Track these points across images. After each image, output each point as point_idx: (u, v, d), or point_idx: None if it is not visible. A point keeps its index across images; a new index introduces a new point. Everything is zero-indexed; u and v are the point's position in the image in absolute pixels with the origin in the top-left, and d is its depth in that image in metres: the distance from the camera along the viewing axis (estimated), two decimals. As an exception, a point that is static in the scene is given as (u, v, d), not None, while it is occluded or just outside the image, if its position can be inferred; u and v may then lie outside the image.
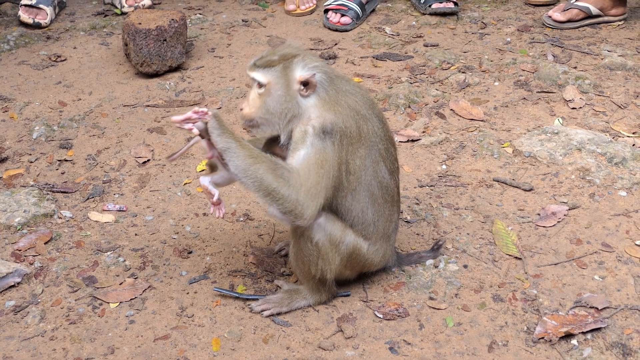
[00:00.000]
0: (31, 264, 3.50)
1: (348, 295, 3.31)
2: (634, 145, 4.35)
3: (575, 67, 5.26)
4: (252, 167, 2.91)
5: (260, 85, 3.00)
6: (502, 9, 6.24)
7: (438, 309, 3.25)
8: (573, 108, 4.78)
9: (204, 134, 2.99)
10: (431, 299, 3.30)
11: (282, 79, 2.98)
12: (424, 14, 6.06)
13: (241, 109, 3.09)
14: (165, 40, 4.98)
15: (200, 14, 6.10)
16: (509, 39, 5.71)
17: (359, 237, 3.16)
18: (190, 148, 3.25)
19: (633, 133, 4.51)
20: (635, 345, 3.06)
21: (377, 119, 3.12)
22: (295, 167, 2.94)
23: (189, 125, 2.98)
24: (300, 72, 2.97)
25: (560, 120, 4.65)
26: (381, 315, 3.20)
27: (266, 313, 3.22)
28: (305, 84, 2.97)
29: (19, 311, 3.25)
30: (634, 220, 3.77)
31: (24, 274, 3.41)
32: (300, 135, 2.98)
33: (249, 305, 3.26)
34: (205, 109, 2.98)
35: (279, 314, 3.23)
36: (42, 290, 3.36)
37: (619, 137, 4.45)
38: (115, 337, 3.12)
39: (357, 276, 3.36)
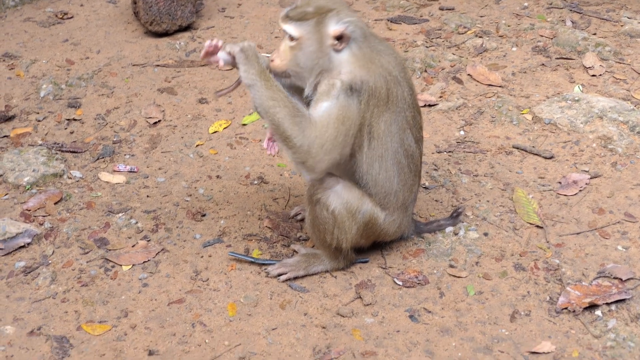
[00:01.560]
0: (41, 224, 3.41)
1: (366, 262, 3.24)
2: (655, 114, 4.25)
3: (594, 34, 5.14)
4: (272, 109, 2.83)
5: (292, 38, 2.88)
6: (519, -26, 6.09)
7: (458, 277, 3.17)
8: (593, 75, 4.67)
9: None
10: (451, 266, 3.23)
11: (316, 34, 2.86)
12: None
13: (271, 60, 2.96)
14: (175, -2, 4.85)
15: (210, -27, 5.95)
16: (526, 4, 5.58)
17: (376, 206, 3.07)
18: (237, 86, 3.13)
19: (654, 102, 4.41)
20: (661, 317, 2.99)
21: (407, 85, 3.03)
22: (315, 119, 2.84)
23: (215, 58, 2.93)
24: (334, 27, 2.85)
25: (580, 87, 4.54)
26: (400, 283, 3.13)
27: (283, 277, 3.15)
28: (339, 37, 2.85)
29: (29, 272, 3.17)
30: (657, 190, 3.69)
31: (34, 235, 3.32)
32: (326, 87, 2.88)
33: (265, 269, 3.18)
34: (217, 42, 2.94)
35: (295, 278, 3.16)
36: (53, 252, 3.28)
37: (640, 105, 4.35)
38: (128, 301, 3.04)
39: (371, 245, 3.27)
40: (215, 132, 4.09)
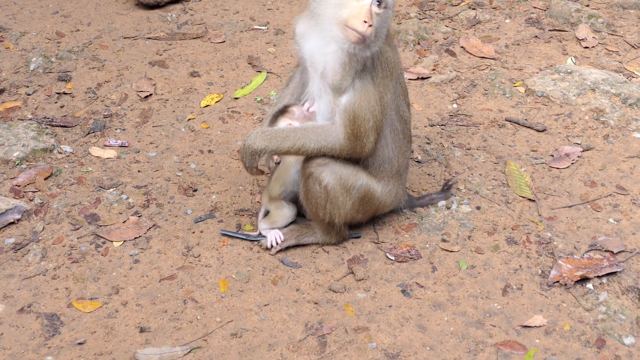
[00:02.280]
0: (31, 200, 3.39)
1: (359, 237, 3.23)
2: (648, 86, 4.24)
3: (587, 5, 5.11)
4: (299, 148, 2.95)
5: (382, 5, 2.79)
6: (513, -57, 6.03)
7: (451, 251, 3.17)
8: (586, 47, 4.64)
9: None
10: (444, 241, 3.22)
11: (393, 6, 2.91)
12: None
13: (365, 22, 2.74)
14: (166, -31, 4.80)
15: (200, -57, 5.88)
16: (519, -25, 5.53)
17: (372, 179, 3.07)
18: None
19: (647, 74, 4.39)
20: (652, 290, 3.00)
21: (399, 66, 3.06)
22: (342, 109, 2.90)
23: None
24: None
25: (573, 59, 4.52)
26: (393, 257, 3.13)
27: (274, 250, 3.15)
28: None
29: (19, 249, 3.16)
30: (649, 163, 3.68)
31: (23, 211, 3.30)
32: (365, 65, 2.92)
33: (259, 243, 3.17)
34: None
35: (287, 248, 3.16)
36: (43, 228, 3.26)
37: (633, 77, 4.33)
38: (119, 277, 3.03)
39: (369, 219, 3.26)
40: (207, 105, 4.06)
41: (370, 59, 2.87)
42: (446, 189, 3.40)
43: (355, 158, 3.00)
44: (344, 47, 2.79)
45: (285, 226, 3.20)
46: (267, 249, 3.16)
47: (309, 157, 2.99)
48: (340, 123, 2.90)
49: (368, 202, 3.10)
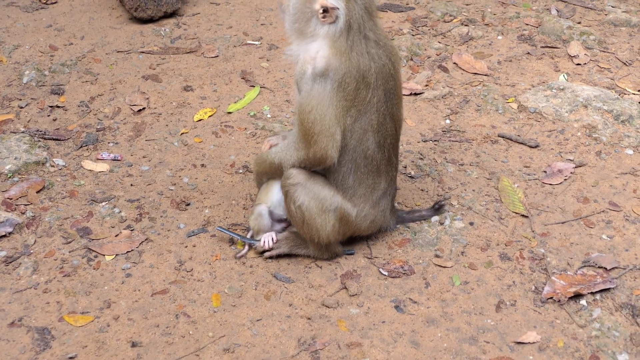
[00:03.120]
0: (23, 213, 3.38)
1: (352, 254, 3.22)
2: (640, 103, 4.26)
3: (579, 22, 5.14)
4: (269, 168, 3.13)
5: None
6: (505, -39, 6.07)
7: (444, 267, 3.17)
8: (578, 64, 4.67)
9: None
10: (437, 256, 3.22)
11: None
12: None
13: None
14: (160, -16, 4.80)
15: (194, -42, 5.90)
16: (512, -8, 5.57)
17: (347, 202, 3.06)
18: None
19: (638, 90, 4.41)
20: (645, 306, 3.00)
21: (382, 92, 2.99)
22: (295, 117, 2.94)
23: None
24: None
25: (565, 76, 4.54)
26: (386, 273, 3.12)
27: (267, 254, 3.16)
28: (325, 10, 2.88)
29: (10, 262, 3.14)
30: (641, 179, 3.70)
31: (15, 224, 3.28)
32: (300, 71, 2.96)
33: (254, 246, 3.16)
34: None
35: (278, 255, 3.16)
36: (35, 241, 3.24)
37: (625, 94, 4.35)
38: (111, 291, 3.02)
39: (348, 238, 3.25)
40: (200, 120, 4.05)
41: (318, 70, 2.90)
42: (437, 208, 3.40)
43: (317, 167, 3.01)
44: None
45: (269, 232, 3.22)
46: (261, 253, 3.16)
47: (286, 176, 3.02)
48: (294, 122, 2.98)
49: (345, 225, 3.10)
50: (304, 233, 3.08)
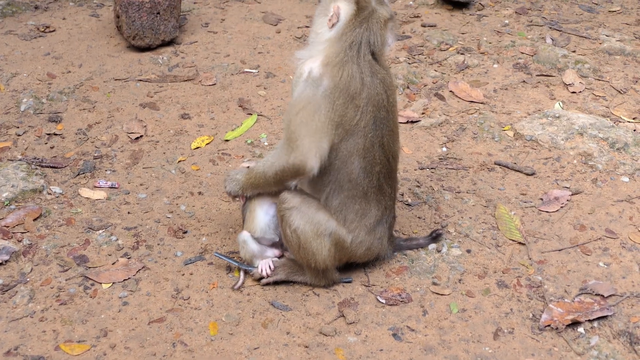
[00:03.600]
0: (20, 241, 3.37)
1: (350, 282, 3.21)
2: (635, 130, 4.29)
3: (574, 51, 5.18)
4: (266, 182, 3.12)
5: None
6: (500, -10, 6.14)
7: (442, 294, 3.16)
8: (573, 92, 4.70)
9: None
10: (434, 284, 3.22)
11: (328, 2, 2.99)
12: None
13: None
14: (158, 13, 4.83)
15: (192, -13, 5.95)
16: (506, 21, 5.62)
17: (342, 227, 3.05)
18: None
19: (633, 118, 4.44)
20: (643, 334, 3.00)
21: (372, 119, 2.96)
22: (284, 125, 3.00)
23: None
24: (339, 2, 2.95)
25: (561, 104, 4.57)
26: (384, 301, 3.11)
27: (264, 281, 3.16)
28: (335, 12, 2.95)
29: (6, 290, 3.12)
30: (637, 206, 3.70)
31: (12, 252, 3.28)
32: (297, 76, 2.99)
33: (251, 273, 3.16)
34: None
35: (275, 282, 3.16)
36: (31, 269, 3.23)
37: (620, 122, 4.38)
38: (108, 319, 3.00)
39: (345, 264, 3.24)
40: (197, 147, 4.06)
41: (314, 75, 2.93)
42: (434, 237, 3.39)
43: (296, 178, 3.01)
44: None
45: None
46: (258, 279, 3.17)
47: (281, 200, 3.02)
48: (284, 127, 3.02)
49: (341, 250, 3.09)
50: (300, 258, 3.08)
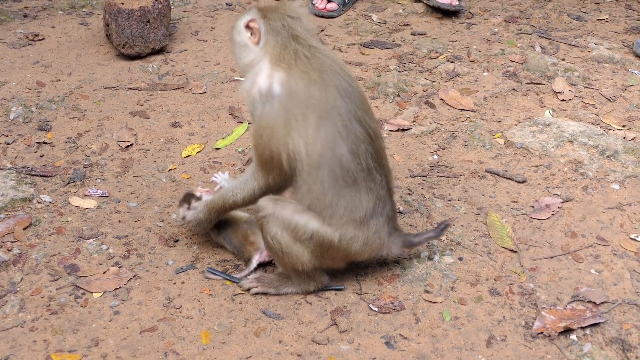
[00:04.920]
0: (9, 250, 3.34)
1: (342, 290, 3.20)
2: (624, 138, 4.31)
3: (563, 59, 5.20)
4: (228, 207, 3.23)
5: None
6: (489, 0, 6.17)
7: (434, 302, 3.16)
8: (563, 100, 4.72)
9: None
10: (427, 292, 3.21)
11: (238, 27, 3.06)
12: (418, 1, 5.91)
13: None
14: (148, 21, 4.82)
15: (182, -4, 5.95)
16: (496, 30, 5.64)
17: (326, 226, 2.98)
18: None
19: (623, 126, 4.46)
20: (635, 340, 3.00)
21: (335, 91, 2.90)
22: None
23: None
24: (245, 18, 3.02)
25: (551, 112, 4.59)
26: (376, 309, 3.11)
27: (253, 290, 3.15)
28: (250, 30, 3.01)
29: (-4, 300, 3.10)
30: (628, 213, 3.72)
31: (1, 261, 3.26)
32: (251, 103, 3.02)
33: (239, 284, 3.15)
34: None
35: (265, 293, 3.15)
36: (21, 279, 3.21)
37: (609, 129, 4.40)
38: (99, 329, 2.98)
39: (346, 267, 3.23)
40: (188, 156, 4.05)
41: (264, 91, 2.96)
42: (442, 228, 3.21)
43: (284, 191, 3.10)
44: None
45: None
46: (247, 289, 3.17)
47: (256, 209, 3.03)
48: (252, 152, 3.06)
49: (330, 250, 3.02)
50: (284, 264, 3.07)
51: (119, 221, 3.56)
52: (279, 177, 2.98)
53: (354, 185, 2.95)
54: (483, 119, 4.46)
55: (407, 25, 5.63)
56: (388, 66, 5.00)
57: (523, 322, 3.07)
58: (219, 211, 3.21)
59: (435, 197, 3.79)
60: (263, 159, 2.96)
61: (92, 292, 3.15)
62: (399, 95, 4.67)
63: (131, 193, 3.75)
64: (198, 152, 4.09)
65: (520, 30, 5.62)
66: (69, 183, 3.79)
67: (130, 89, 4.64)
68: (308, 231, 2.98)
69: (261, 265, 3.31)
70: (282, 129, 2.89)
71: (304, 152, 2.88)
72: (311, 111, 2.87)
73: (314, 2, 5.74)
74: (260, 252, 3.26)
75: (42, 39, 5.18)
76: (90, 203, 3.66)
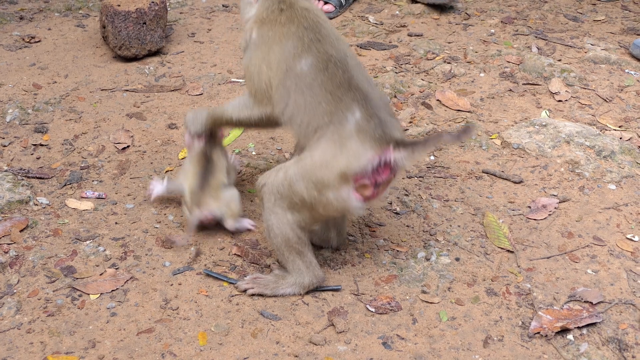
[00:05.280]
0: (6, 252, 3.34)
1: (339, 290, 3.21)
2: (621, 138, 4.31)
3: (560, 60, 5.21)
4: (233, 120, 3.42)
5: None
6: (485, 1, 6.17)
7: (431, 302, 3.16)
8: (559, 100, 4.72)
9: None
10: (424, 292, 3.21)
11: None
12: (415, 2, 5.92)
13: None
14: (145, 23, 4.82)
15: (178, -3, 5.95)
16: (492, 31, 5.65)
17: (306, 153, 2.98)
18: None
19: (619, 127, 4.47)
20: (631, 340, 3.00)
21: (302, 27, 3.10)
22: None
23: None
24: None
25: (547, 112, 4.59)
26: (373, 309, 3.11)
27: (250, 291, 3.14)
28: None
29: (-7, 302, 3.10)
30: (624, 213, 3.72)
31: (-2, 263, 3.25)
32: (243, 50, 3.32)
33: (236, 285, 3.15)
34: None
35: (261, 294, 3.14)
36: (18, 281, 3.21)
37: (606, 130, 4.40)
38: (96, 331, 2.98)
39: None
40: (184, 157, 4.05)
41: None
42: (464, 131, 2.91)
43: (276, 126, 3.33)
44: None
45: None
46: (243, 290, 3.16)
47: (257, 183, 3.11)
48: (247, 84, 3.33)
49: (319, 175, 2.90)
50: (278, 242, 3.09)
51: (116, 223, 3.56)
52: (267, 108, 3.21)
53: (323, 97, 2.96)
54: (480, 120, 4.47)
55: (404, 26, 5.63)
56: (385, 67, 5.00)
57: (520, 322, 3.08)
58: (215, 121, 3.47)
59: (432, 197, 3.79)
60: (252, 92, 3.24)
61: (89, 294, 3.15)
62: (395, 97, 4.67)
63: (128, 195, 3.75)
64: (195, 153, 4.08)
65: (517, 31, 5.63)
66: (65, 185, 3.79)
67: (127, 90, 4.64)
68: (292, 177, 2.96)
69: (258, 266, 3.32)
70: (256, 65, 3.17)
71: (273, 76, 3.11)
72: (276, 42, 3.11)
73: (310, 3, 5.73)
74: (203, 212, 3.35)
75: (39, 41, 5.17)
76: (87, 205, 3.66)
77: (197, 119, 3.50)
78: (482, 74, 4.99)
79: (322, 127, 2.94)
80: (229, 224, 3.42)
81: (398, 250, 3.44)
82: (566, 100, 4.72)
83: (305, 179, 2.93)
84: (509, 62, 5.14)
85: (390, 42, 5.38)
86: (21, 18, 5.47)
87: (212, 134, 3.54)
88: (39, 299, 3.12)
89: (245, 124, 3.38)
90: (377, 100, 3.01)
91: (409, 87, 4.79)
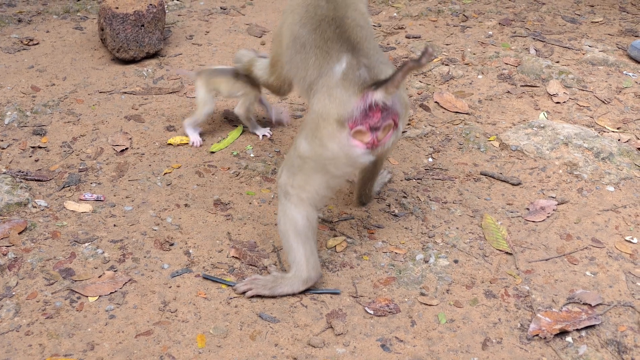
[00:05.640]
0: (4, 254, 3.34)
1: (338, 293, 3.20)
2: (619, 140, 4.31)
3: (558, 62, 5.22)
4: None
5: None
6: (483, 2, 6.18)
7: (430, 305, 3.16)
8: (557, 102, 4.73)
9: None
10: (422, 294, 3.21)
11: None
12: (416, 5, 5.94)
13: None
14: (143, 25, 4.82)
15: (177, 0, 5.95)
16: (490, 32, 5.65)
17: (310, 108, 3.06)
18: None
19: (617, 128, 4.47)
20: (630, 342, 3.00)
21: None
22: None
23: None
24: None
25: (545, 114, 4.59)
26: (372, 312, 3.11)
27: (248, 294, 3.14)
28: None
29: (-9, 304, 3.09)
30: (623, 215, 3.73)
31: (-4, 266, 3.25)
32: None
33: (234, 288, 3.15)
34: None
35: (259, 296, 3.14)
36: (17, 283, 3.20)
37: (604, 132, 4.41)
38: (94, 333, 2.98)
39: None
40: (183, 159, 4.05)
41: None
42: (424, 53, 2.62)
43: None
44: None
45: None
46: (242, 292, 3.16)
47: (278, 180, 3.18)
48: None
49: (316, 135, 2.94)
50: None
51: (114, 225, 3.56)
52: (276, 72, 3.65)
53: (314, 56, 3.07)
54: (478, 122, 4.47)
55: (402, 28, 5.64)
56: (383, 69, 5.00)
57: (519, 325, 3.08)
58: (248, 69, 3.97)
59: (430, 199, 3.79)
60: (272, 61, 3.65)
61: (87, 296, 3.15)
62: (394, 99, 4.67)
63: (126, 197, 3.75)
64: (193, 155, 4.09)
65: (515, 33, 5.63)
66: (64, 187, 3.79)
67: (125, 93, 4.64)
68: (300, 150, 3.04)
69: (256, 268, 3.32)
70: (276, 33, 3.47)
71: (285, 42, 3.35)
72: (292, 11, 3.29)
73: (308, 5, 5.74)
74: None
75: (37, 44, 5.17)
76: (85, 207, 3.66)
77: (242, 58, 3.99)
78: (480, 76, 4.99)
79: (315, 81, 3.04)
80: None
81: (396, 253, 3.44)
82: (564, 102, 4.73)
83: (308, 137, 2.98)
84: (507, 64, 5.14)
85: (388, 44, 5.38)
86: (19, 20, 5.46)
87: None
88: (37, 302, 3.12)
89: (264, 84, 3.88)
90: (367, 49, 3.00)
91: (407, 89, 4.79)
